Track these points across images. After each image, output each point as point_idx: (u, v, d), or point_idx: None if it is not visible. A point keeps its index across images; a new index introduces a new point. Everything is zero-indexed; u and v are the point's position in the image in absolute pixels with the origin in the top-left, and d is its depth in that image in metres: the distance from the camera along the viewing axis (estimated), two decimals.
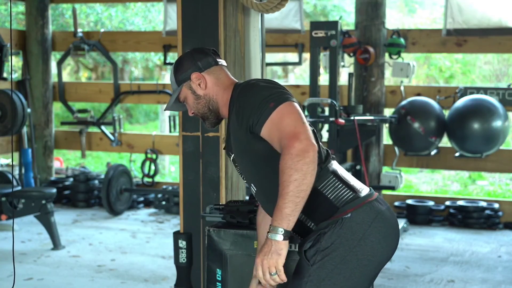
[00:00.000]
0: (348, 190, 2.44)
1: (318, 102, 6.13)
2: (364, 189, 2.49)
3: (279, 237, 2.26)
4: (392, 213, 2.51)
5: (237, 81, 2.66)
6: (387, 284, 5.11)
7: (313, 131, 2.47)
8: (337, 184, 2.44)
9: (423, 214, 7.13)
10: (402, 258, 5.81)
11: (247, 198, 4.36)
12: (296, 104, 2.39)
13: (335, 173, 2.47)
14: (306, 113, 6.15)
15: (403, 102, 6.98)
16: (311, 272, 2.37)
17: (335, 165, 2.53)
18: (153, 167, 8.21)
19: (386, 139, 7.63)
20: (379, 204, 2.47)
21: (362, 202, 2.42)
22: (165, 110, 2.82)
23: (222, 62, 2.70)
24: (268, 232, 2.29)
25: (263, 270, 2.31)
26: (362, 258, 2.37)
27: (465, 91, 7.00)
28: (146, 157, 8.20)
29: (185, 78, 2.63)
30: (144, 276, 5.30)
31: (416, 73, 10.05)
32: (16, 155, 8.45)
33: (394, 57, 7.12)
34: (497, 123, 6.56)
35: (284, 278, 2.32)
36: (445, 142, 7.12)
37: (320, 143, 2.53)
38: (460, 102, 6.79)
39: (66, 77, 14.89)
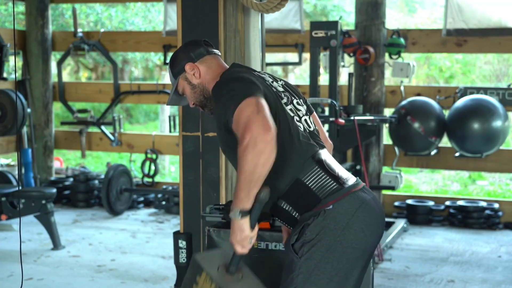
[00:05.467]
0: (332, 181, 2.50)
1: (318, 102, 6.13)
2: (350, 179, 2.55)
3: (237, 216, 2.40)
4: (377, 202, 2.57)
5: (227, 67, 2.75)
6: (387, 284, 5.11)
7: (299, 116, 2.59)
8: (321, 174, 2.51)
9: (423, 214, 7.13)
10: (402, 258, 5.81)
11: None
12: (256, 98, 2.40)
13: (320, 164, 2.53)
14: None
15: (403, 102, 6.98)
16: (301, 265, 2.44)
17: (323, 154, 2.58)
18: (153, 167, 8.21)
19: (386, 139, 7.63)
20: (364, 194, 2.53)
21: (346, 193, 2.48)
22: (166, 104, 2.94)
23: (215, 51, 2.79)
24: (230, 211, 2.44)
25: (241, 246, 2.45)
26: (347, 246, 2.44)
27: (465, 91, 7.00)
28: (146, 157, 8.20)
29: (180, 70, 2.75)
30: (144, 276, 5.30)
31: (416, 73, 10.06)
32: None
33: (394, 57, 7.12)
34: (497, 123, 6.56)
35: (254, 239, 2.47)
36: (445, 142, 7.12)
37: (304, 133, 2.58)
38: (460, 102, 6.78)
39: (66, 77, 14.89)
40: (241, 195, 2.37)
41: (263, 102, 2.41)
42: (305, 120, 2.64)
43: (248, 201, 2.38)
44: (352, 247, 2.44)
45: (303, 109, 2.67)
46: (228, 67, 2.75)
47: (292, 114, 2.58)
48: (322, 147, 2.62)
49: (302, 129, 2.58)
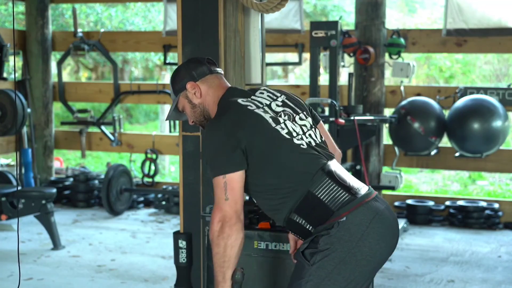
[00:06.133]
0: (344, 192, 2.46)
1: (318, 102, 6.13)
2: (362, 189, 2.50)
3: None
4: (391, 212, 2.52)
5: (228, 85, 2.74)
6: (387, 284, 5.11)
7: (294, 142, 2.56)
8: (332, 186, 2.46)
9: (423, 214, 7.13)
10: (402, 258, 5.81)
11: (247, 198, 4.36)
12: (225, 179, 2.46)
13: (330, 175, 2.49)
14: None
15: (403, 102, 6.98)
16: (312, 272, 2.40)
17: (332, 165, 2.54)
18: (153, 167, 8.21)
19: (386, 139, 7.63)
20: (378, 204, 2.48)
21: (358, 203, 2.43)
22: (166, 119, 2.95)
23: (218, 70, 2.78)
24: None
25: None
26: (361, 259, 2.40)
27: (465, 91, 7.00)
28: (146, 157, 8.20)
29: (181, 88, 2.73)
30: (144, 276, 5.30)
31: (416, 73, 10.06)
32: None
33: (394, 57, 7.12)
34: (497, 123, 6.56)
35: None
36: (445, 142, 7.12)
37: (309, 147, 2.55)
38: (460, 102, 6.79)
39: (66, 77, 14.89)
40: (218, 279, 2.49)
41: (234, 179, 2.46)
42: (310, 134, 2.61)
43: (225, 284, 2.48)
44: (367, 260, 2.41)
45: (307, 122, 2.64)
46: (229, 86, 2.74)
47: (294, 134, 2.55)
48: (331, 158, 2.58)
49: (305, 145, 2.55)
